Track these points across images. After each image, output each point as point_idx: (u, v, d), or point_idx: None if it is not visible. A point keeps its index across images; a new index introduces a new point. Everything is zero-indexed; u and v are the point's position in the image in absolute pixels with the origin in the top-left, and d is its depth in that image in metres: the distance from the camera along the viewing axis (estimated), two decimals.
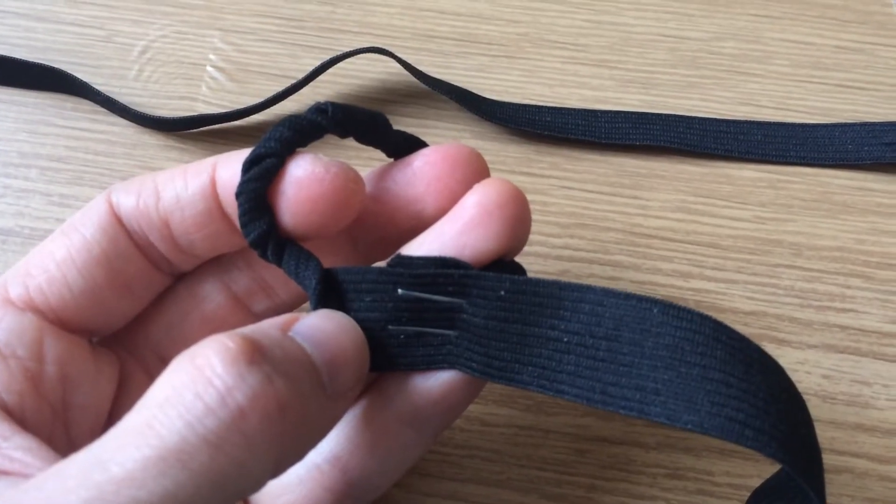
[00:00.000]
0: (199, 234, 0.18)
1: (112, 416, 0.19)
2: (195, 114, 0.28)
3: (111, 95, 0.28)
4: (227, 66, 0.30)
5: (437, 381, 0.18)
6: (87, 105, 0.29)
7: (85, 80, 0.29)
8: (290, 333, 0.15)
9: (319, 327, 0.16)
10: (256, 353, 0.14)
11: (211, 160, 0.18)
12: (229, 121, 0.28)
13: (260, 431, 0.14)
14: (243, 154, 0.18)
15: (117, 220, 0.18)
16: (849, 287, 0.26)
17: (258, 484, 0.14)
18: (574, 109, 0.29)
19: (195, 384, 0.13)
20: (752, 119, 0.29)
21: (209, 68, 0.30)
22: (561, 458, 0.24)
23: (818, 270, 0.27)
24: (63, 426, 0.18)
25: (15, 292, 0.18)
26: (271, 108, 0.28)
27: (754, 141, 0.29)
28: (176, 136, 0.29)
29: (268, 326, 0.15)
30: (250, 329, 0.15)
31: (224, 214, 0.18)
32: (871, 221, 0.28)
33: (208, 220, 0.18)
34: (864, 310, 0.26)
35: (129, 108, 0.28)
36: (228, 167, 0.18)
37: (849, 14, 0.32)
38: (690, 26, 0.31)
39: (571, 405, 0.24)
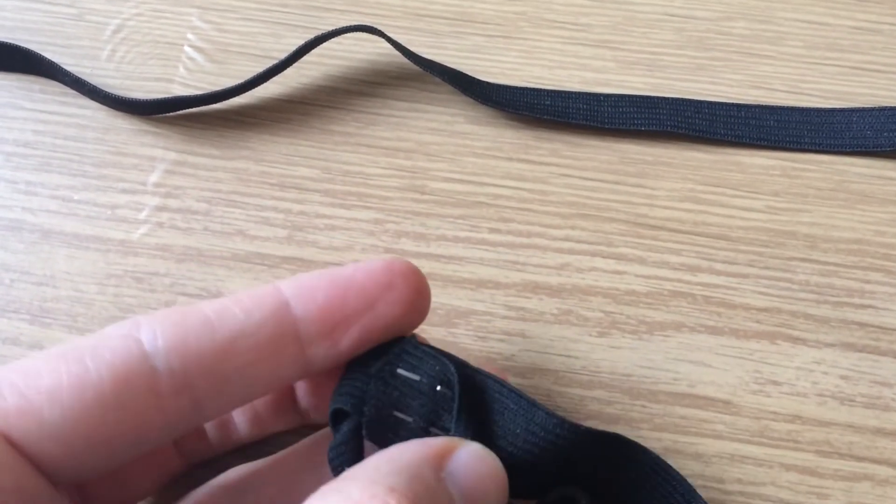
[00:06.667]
0: (260, 368, 0.17)
1: None
2: (171, 96, 0.27)
3: (82, 77, 0.27)
4: (205, 46, 0.29)
5: None
6: (56, 87, 0.28)
7: (54, 60, 0.28)
8: (443, 475, 0.16)
9: (472, 471, 0.16)
10: None
11: (268, 288, 0.18)
12: (208, 104, 0.27)
13: None
14: (309, 277, 0.18)
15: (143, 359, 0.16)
16: (868, 282, 0.25)
17: None
18: (575, 93, 0.28)
19: None
20: (763, 103, 0.28)
21: (186, 48, 0.29)
22: None
23: (835, 264, 0.26)
24: None
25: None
26: (253, 90, 0.27)
27: (767, 126, 0.28)
28: (151, 120, 0.27)
29: (422, 465, 0.16)
30: (406, 472, 0.15)
31: (294, 341, 0.17)
32: (890, 212, 0.26)
33: (277, 349, 0.17)
34: (884, 306, 0.25)
35: (101, 90, 0.27)
36: (300, 293, 0.17)
37: None
38: (698, 5, 0.30)
39: (573, 407, 0.23)
